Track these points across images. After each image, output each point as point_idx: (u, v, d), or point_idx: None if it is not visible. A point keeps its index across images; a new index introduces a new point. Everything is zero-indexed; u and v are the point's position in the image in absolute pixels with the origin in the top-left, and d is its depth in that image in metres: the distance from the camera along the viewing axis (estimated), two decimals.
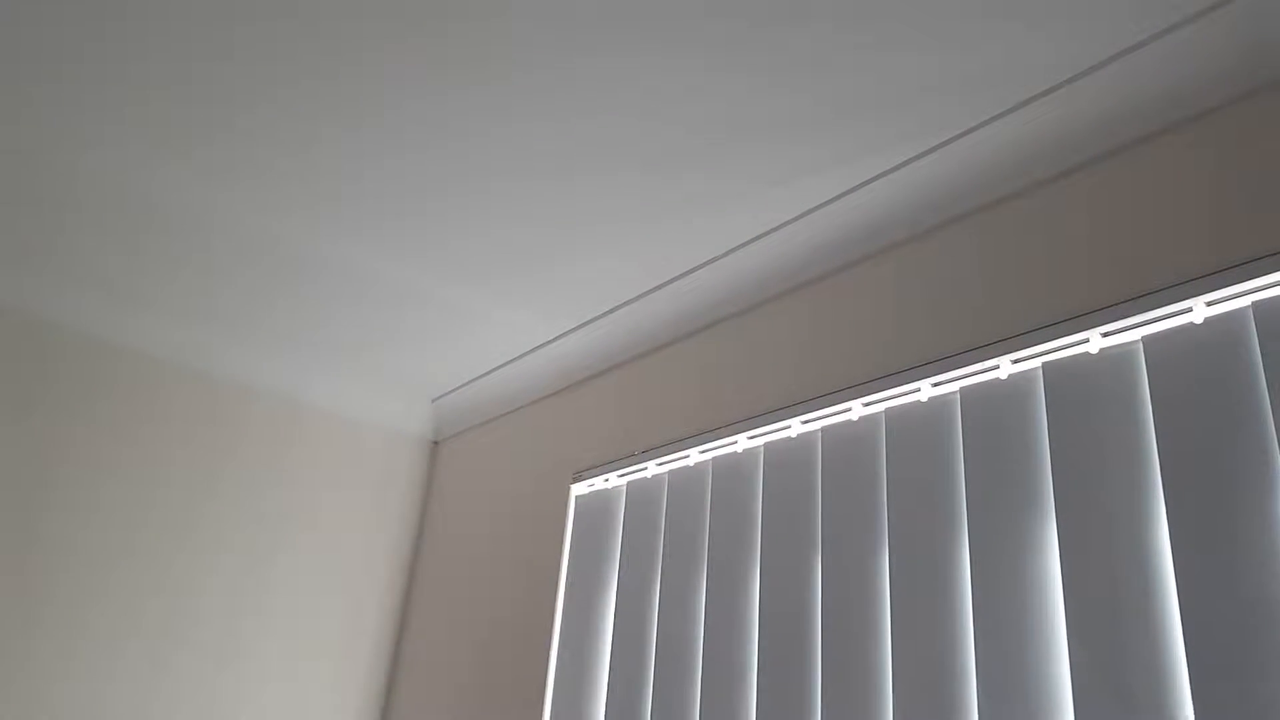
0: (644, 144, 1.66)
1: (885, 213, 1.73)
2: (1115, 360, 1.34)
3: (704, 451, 1.99)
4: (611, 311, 2.27)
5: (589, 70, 1.50)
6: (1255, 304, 1.22)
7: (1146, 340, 1.32)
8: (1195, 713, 1.12)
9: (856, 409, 1.70)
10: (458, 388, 2.84)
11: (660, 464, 2.09)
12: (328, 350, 2.64)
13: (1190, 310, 1.28)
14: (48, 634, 2.28)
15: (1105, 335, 1.36)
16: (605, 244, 1.99)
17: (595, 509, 2.24)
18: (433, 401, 2.96)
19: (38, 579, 2.30)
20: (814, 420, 1.77)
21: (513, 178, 1.80)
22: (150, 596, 2.44)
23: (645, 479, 2.13)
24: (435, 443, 3.06)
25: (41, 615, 2.29)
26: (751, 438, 1.89)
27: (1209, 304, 1.26)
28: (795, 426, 1.81)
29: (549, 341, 2.46)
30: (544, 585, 2.30)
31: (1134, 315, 1.32)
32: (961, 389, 1.53)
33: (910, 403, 1.61)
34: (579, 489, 2.32)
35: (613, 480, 2.23)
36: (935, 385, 1.58)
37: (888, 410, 1.64)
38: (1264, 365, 1.18)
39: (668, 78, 1.50)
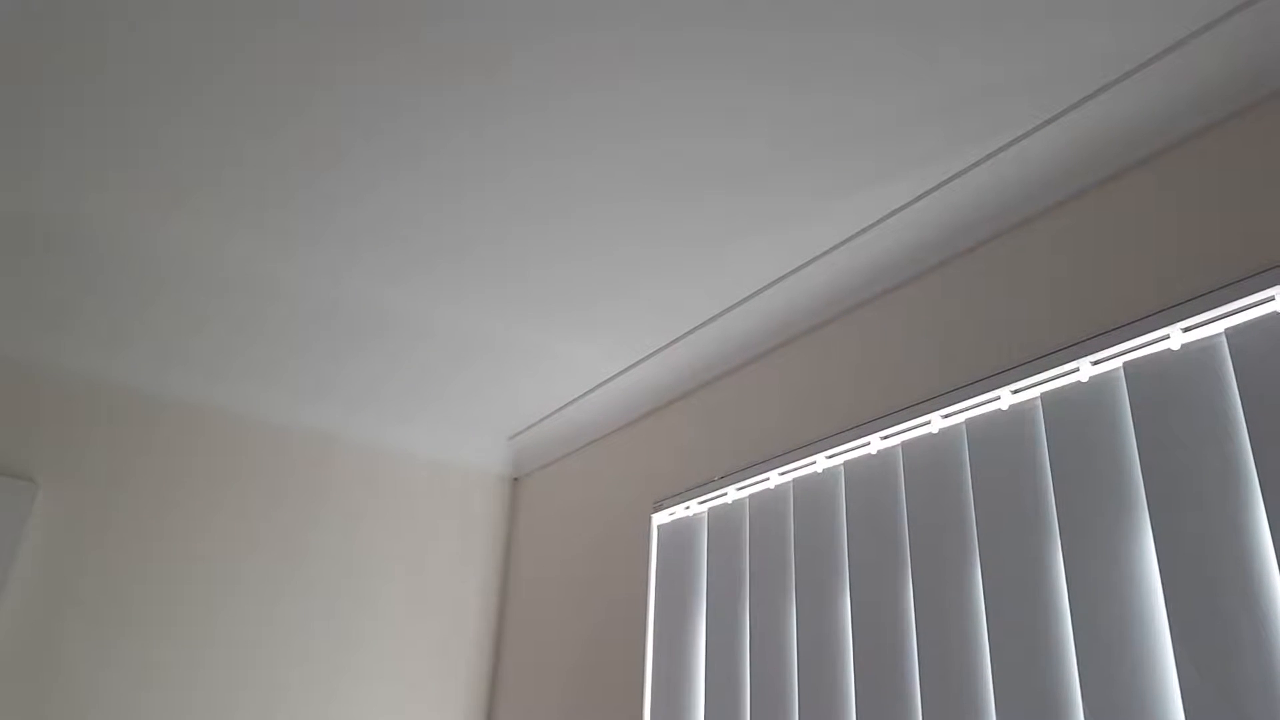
0: (696, 166, 1.69)
1: (945, 226, 1.72)
2: (1201, 355, 1.32)
3: (783, 473, 2.00)
4: (678, 340, 2.29)
5: (633, 94, 1.54)
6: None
7: (1229, 332, 1.29)
8: None
9: (936, 421, 1.69)
10: (533, 425, 2.89)
11: (740, 488, 2.10)
12: (403, 399, 2.72)
13: (1274, 299, 1.26)
14: (159, 697, 2.38)
15: (1186, 331, 1.34)
16: (665, 271, 2.02)
17: (678, 537, 2.26)
18: (509, 439, 3.02)
19: (139, 641, 2.40)
20: (893, 435, 1.77)
21: (565, 211, 1.84)
22: (251, 650, 2.52)
23: (726, 504, 2.14)
24: (515, 479, 3.11)
25: (150, 678, 2.38)
26: (830, 456, 1.89)
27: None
28: (875, 443, 1.80)
29: (619, 373, 2.50)
30: (632, 616, 2.32)
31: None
32: (1042, 395, 1.52)
33: (991, 411, 1.60)
34: (660, 518, 2.34)
35: (693, 508, 2.24)
36: (1015, 393, 1.56)
37: (968, 421, 1.63)
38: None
39: (714, 97, 1.52)
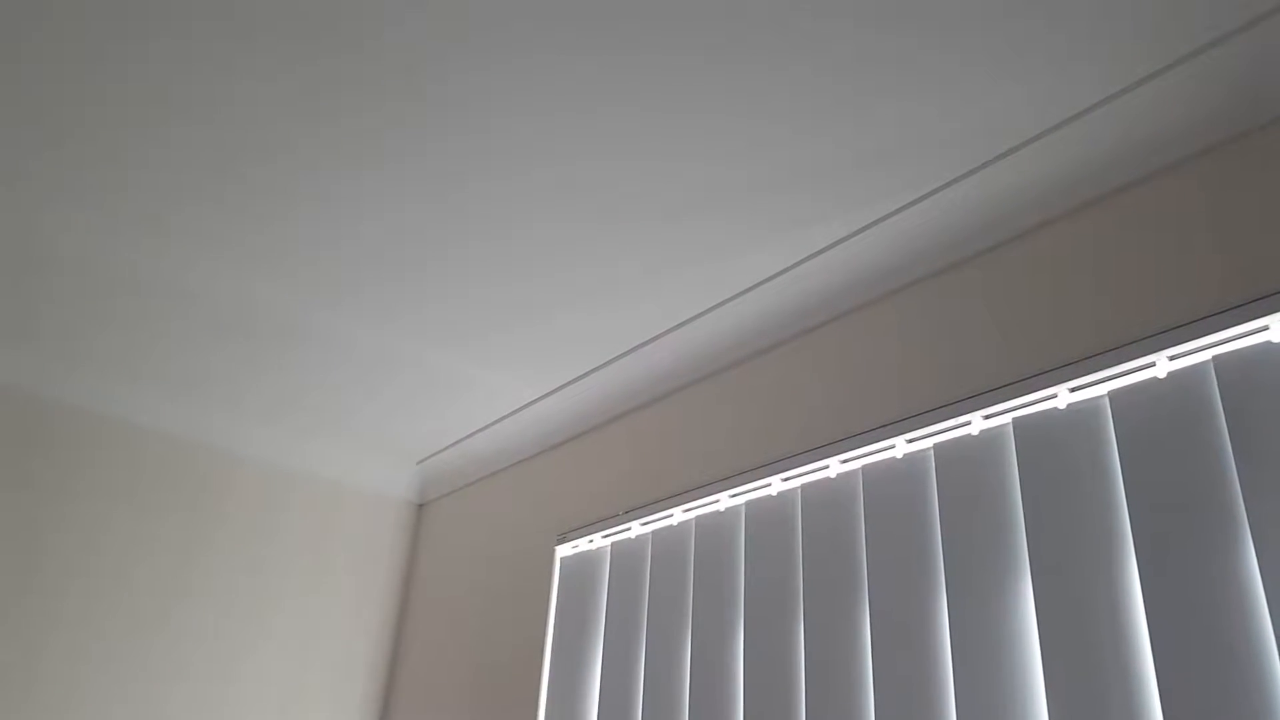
0: (623, 198, 1.70)
1: (848, 275, 1.76)
2: (1085, 414, 1.36)
3: (687, 510, 1.99)
4: (591, 372, 2.28)
5: (565, 123, 1.54)
6: (1216, 358, 1.25)
7: (1113, 394, 1.34)
8: None
9: (834, 466, 1.71)
10: (442, 450, 2.84)
11: (644, 524, 2.09)
12: (312, 417, 2.64)
13: (1154, 365, 1.31)
14: (37, 699, 2.25)
15: (1073, 390, 1.39)
16: (583, 302, 2.01)
17: (580, 571, 2.23)
18: (418, 464, 2.96)
19: (28, 645, 2.28)
20: (793, 478, 1.78)
21: (489, 237, 1.83)
22: (138, 664, 2.41)
23: (629, 539, 2.13)
24: (421, 505, 3.05)
25: (31, 682, 2.26)
26: (733, 496, 1.90)
27: (1171, 358, 1.29)
28: (775, 484, 1.82)
29: (531, 403, 2.47)
30: (530, 648, 2.28)
31: (1100, 370, 1.35)
32: (935, 445, 1.55)
33: (886, 459, 1.62)
34: (564, 550, 2.32)
35: (597, 541, 2.22)
36: (910, 442, 1.59)
37: (864, 467, 1.65)
38: (1225, 417, 1.20)
39: (646, 131, 1.53)
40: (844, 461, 1.69)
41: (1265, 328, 1.21)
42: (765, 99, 1.41)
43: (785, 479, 1.79)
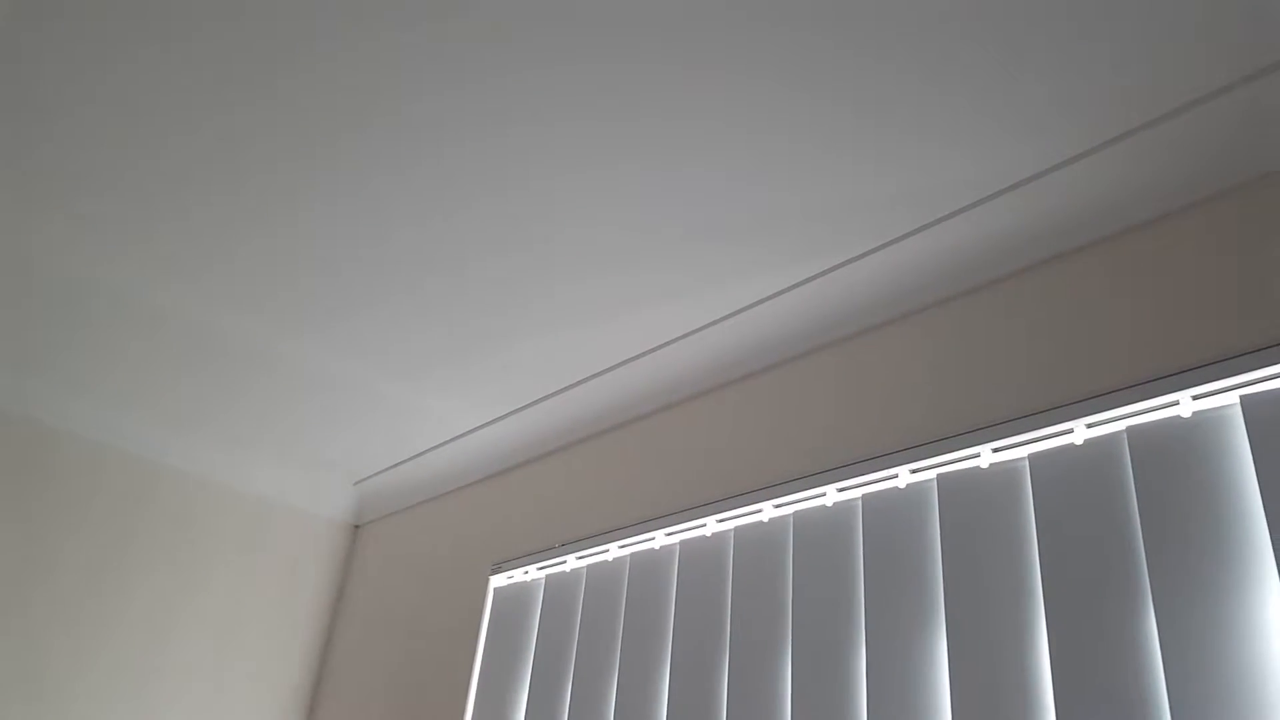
0: (569, 243, 1.73)
1: (783, 327, 1.81)
2: (1006, 474, 1.42)
3: (623, 547, 2.01)
4: (536, 403, 2.30)
5: (521, 166, 1.57)
6: (1130, 428, 1.31)
7: (1032, 457, 1.40)
8: None
9: (768, 510, 1.75)
10: (381, 472, 2.82)
11: (580, 558, 2.11)
12: (248, 431, 2.62)
13: (1071, 432, 1.37)
14: None
15: (996, 451, 1.45)
16: (533, 338, 2.04)
17: (513, 602, 2.24)
18: (355, 485, 2.94)
19: None
20: (728, 520, 1.82)
21: (445, 267, 1.84)
22: (39, 678, 2.34)
23: (564, 573, 2.14)
24: (356, 526, 3.02)
25: None
26: (669, 534, 1.92)
27: (1089, 425, 1.35)
28: (710, 525, 1.85)
29: (474, 430, 2.48)
30: (457, 678, 2.27)
31: (1022, 433, 1.41)
32: (864, 495, 1.59)
33: (817, 506, 1.67)
34: (498, 580, 2.32)
35: (532, 573, 2.23)
36: (840, 490, 1.64)
37: (796, 514, 1.69)
38: (1135, 486, 1.26)
39: (596, 179, 1.57)
40: (777, 506, 1.73)
41: (1176, 403, 1.28)
42: (706, 152, 1.46)
43: (720, 520, 1.83)
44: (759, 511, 1.76)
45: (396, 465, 2.75)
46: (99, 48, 1.40)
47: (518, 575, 2.26)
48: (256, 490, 2.82)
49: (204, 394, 2.43)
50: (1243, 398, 1.21)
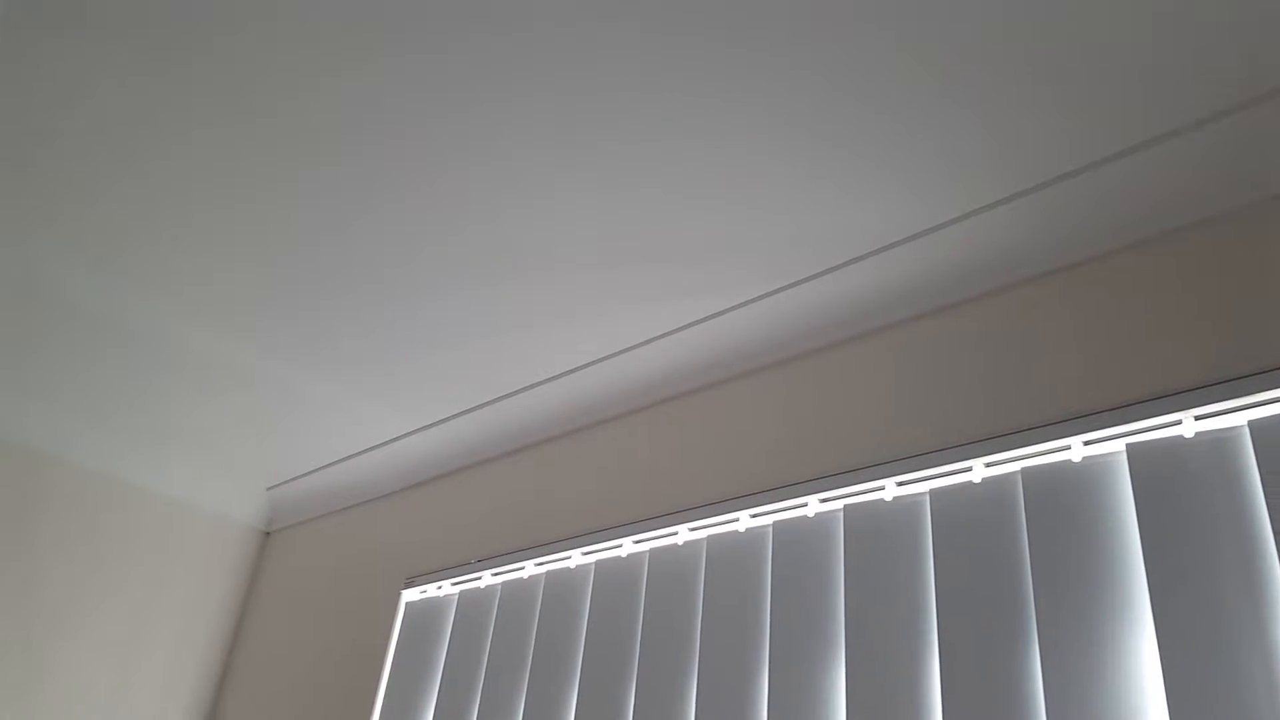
0: (508, 252, 1.73)
1: (724, 346, 1.84)
2: (908, 508, 1.48)
3: (539, 564, 2.02)
4: (456, 416, 2.29)
5: (454, 180, 1.57)
6: (1024, 470, 1.37)
7: (934, 492, 1.46)
8: None
9: (683, 533, 1.78)
10: (295, 478, 2.77)
11: (495, 574, 2.11)
12: (158, 428, 2.55)
13: (970, 470, 1.43)
14: None
15: (899, 485, 1.50)
16: (465, 347, 2.03)
17: (424, 618, 2.22)
18: (267, 490, 2.88)
19: None
20: (644, 541, 1.84)
21: (375, 276, 1.83)
22: None
23: (478, 588, 2.13)
24: (268, 533, 2.96)
25: None
26: (585, 553, 1.94)
27: (988, 465, 1.41)
28: (626, 546, 1.87)
29: (398, 438, 2.46)
30: (363, 693, 2.25)
31: (924, 469, 1.46)
32: (775, 523, 1.63)
33: (729, 532, 1.70)
34: (410, 594, 2.30)
35: (445, 588, 2.22)
36: (754, 517, 1.68)
37: (709, 538, 1.72)
38: (1027, 526, 1.33)
39: (534, 191, 1.58)
40: (692, 530, 1.76)
41: (1067, 447, 1.35)
42: (661, 171, 1.49)
43: (636, 541, 1.85)
44: (675, 534, 1.79)
45: (313, 471, 2.71)
46: (81, 67, 1.36)
47: (431, 590, 2.25)
48: (164, 490, 2.74)
49: (109, 387, 2.36)
50: (1129, 445, 1.28)
